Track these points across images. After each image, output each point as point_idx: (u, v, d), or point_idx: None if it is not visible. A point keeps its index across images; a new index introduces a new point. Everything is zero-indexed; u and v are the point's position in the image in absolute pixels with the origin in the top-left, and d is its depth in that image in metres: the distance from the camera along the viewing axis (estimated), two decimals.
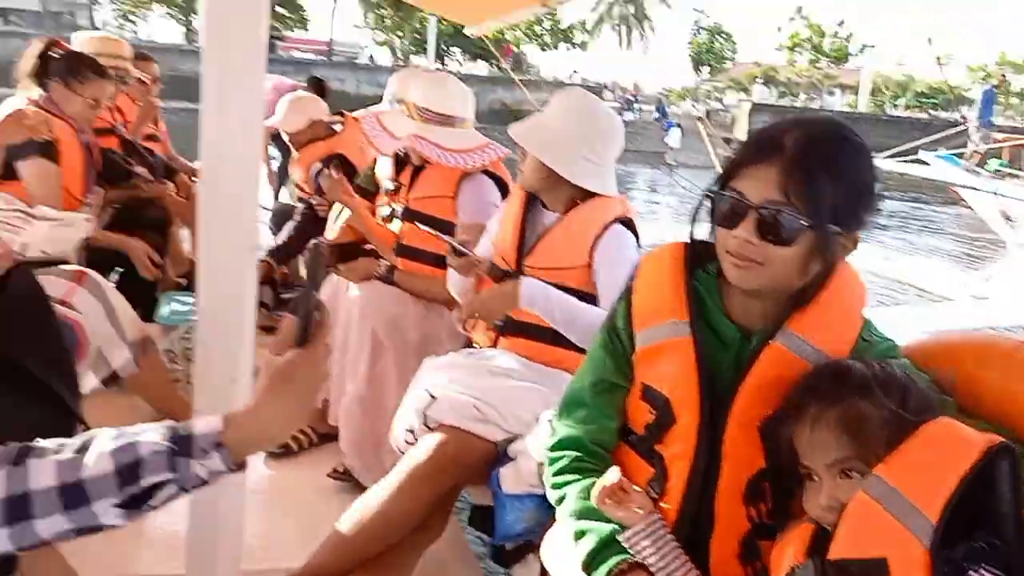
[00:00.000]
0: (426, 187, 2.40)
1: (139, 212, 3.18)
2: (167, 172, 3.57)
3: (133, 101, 3.78)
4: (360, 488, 2.26)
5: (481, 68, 46.86)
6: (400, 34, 42.95)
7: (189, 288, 3.14)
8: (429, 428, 1.77)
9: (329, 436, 2.42)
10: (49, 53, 2.64)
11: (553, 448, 1.28)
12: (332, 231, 2.77)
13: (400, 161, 3.00)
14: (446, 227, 2.24)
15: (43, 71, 2.63)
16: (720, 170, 1.15)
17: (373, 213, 2.66)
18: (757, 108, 34.38)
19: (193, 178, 3.65)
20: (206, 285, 1.30)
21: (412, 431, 1.80)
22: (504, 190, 2.38)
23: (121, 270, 2.97)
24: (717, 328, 1.17)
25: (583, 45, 50.75)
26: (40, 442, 0.84)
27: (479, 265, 1.92)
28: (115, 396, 2.23)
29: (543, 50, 49.41)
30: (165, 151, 4.01)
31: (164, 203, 3.27)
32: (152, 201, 3.25)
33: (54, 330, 1.25)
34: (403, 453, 1.83)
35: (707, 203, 1.12)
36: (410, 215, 2.41)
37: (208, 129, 1.16)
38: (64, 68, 2.62)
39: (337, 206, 3.06)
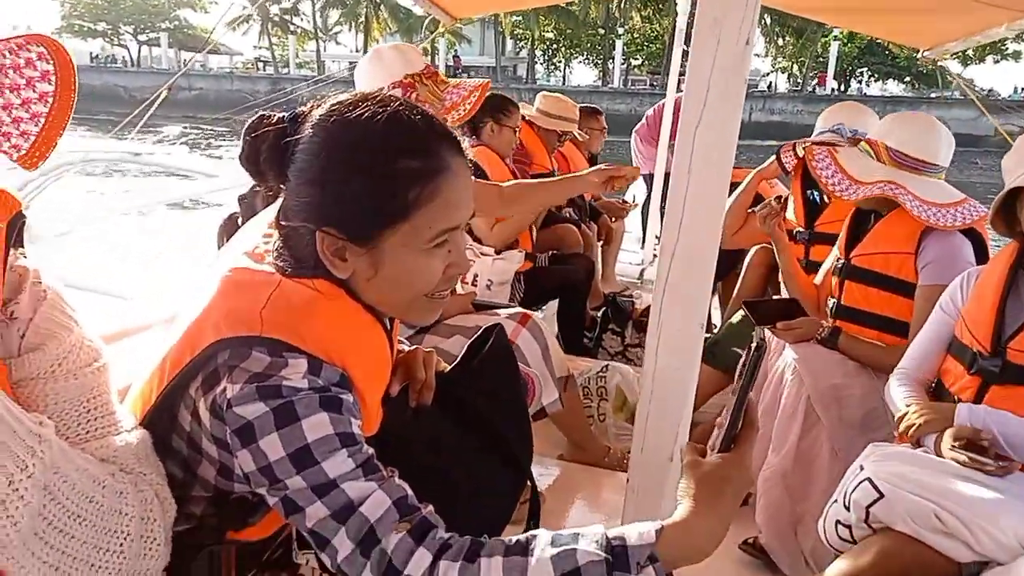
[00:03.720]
0: (880, 241, 1.98)
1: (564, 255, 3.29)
2: (592, 214, 3.71)
3: (579, 148, 4.01)
4: (771, 566, 1.98)
5: (890, 88, 41.80)
6: (802, 59, 40.51)
7: (605, 322, 3.18)
8: (871, 528, 1.43)
9: None
10: None
11: None
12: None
13: (813, 206, 2.62)
14: (902, 288, 1.90)
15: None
16: None
17: None
18: None
19: (614, 218, 3.73)
20: (654, 360, 1.19)
21: (849, 527, 1.47)
22: (980, 253, 1.87)
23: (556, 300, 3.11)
24: None
25: (1016, 55, 41.74)
26: (486, 539, 0.82)
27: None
28: (537, 426, 2.27)
29: (964, 65, 41.85)
30: (594, 195, 4.16)
31: (586, 243, 3.38)
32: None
33: (521, 393, 1.24)
34: (832, 548, 1.52)
35: None
36: (853, 272, 2.02)
37: (673, 209, 1.04)
38: (493, 108, 2.89)
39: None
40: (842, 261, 2.07)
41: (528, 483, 1.20)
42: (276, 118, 0.94)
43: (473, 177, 2.25)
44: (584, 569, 0.76)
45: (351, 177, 0.88)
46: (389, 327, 1.05)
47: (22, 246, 0.82)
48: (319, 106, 0.93)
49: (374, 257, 0.90)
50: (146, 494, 0.80)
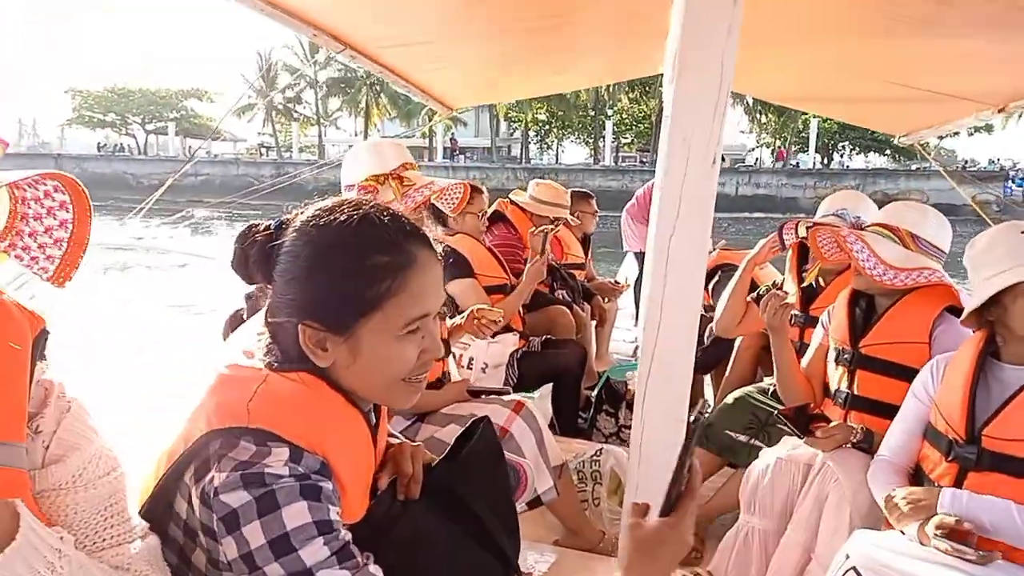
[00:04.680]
0: (891, 331, 1.97)
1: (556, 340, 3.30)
2: (585, 294, 3.77)
3: (572, 231, 4.11)
4: None
5: (874, 160, 42.96)
6: (784, 135, 41.79)
7: (599, 403, 3.19)
8: None
9: None
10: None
11: None
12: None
13: (810, 289, 2.65)
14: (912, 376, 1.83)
15: (435, 209, 2.92)
16: None
17: None
18: None
19: (607, 299, 3.79)
20: (640, 450, 1.23)
21: None
22: None
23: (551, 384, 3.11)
24: None
25: (988, 128, 43.35)
26: None
27: None
28: (534, 511, 2.23)
29: (940, 138, 43.14)
30: (587, 275, 4.22)
31: (579, 325, 3.43)
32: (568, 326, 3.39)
33: (507, 484, 1.26)
34: None
35: None
36: (864, 362, 1.99)
37: (651, 315, 1.09)
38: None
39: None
40: (850, 351, 2.03)
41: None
42: (263, 226, 1.03)
43: (460, 268, 2.31)
44: None
45: (328, 274, 0.96)
46: (375, 419, 1.09)
47: (44, 359, 0.85)
48: (302, 213, 1.02)
49: (352, 345, 0.97)
50: None
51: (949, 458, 1.57)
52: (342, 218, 0.97)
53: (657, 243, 1.11)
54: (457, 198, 1.99)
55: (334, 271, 0.96)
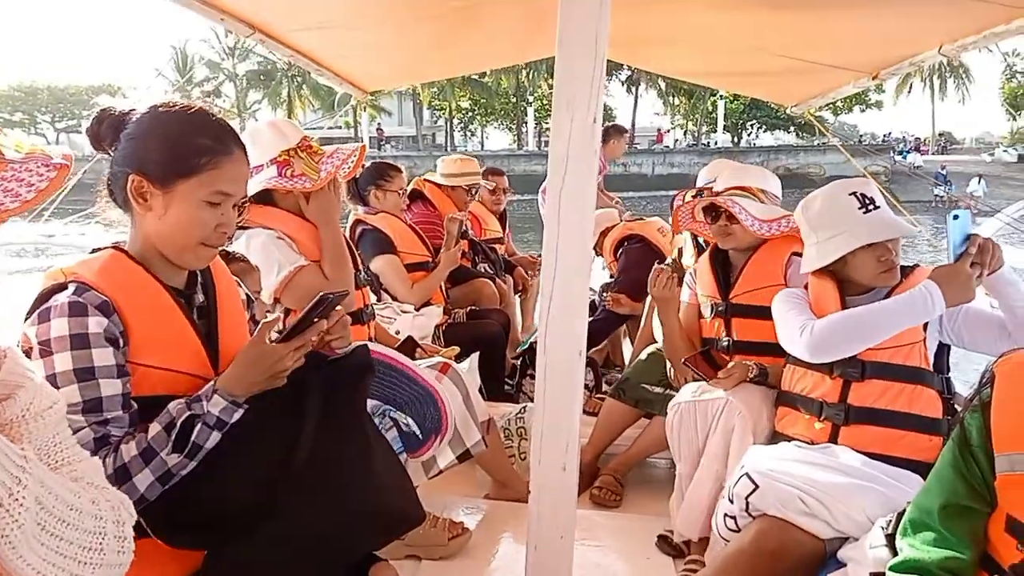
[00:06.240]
0: (754, 279, 2.19)
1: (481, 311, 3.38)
2: (507, 267, 3.86)
3: (486, 207, 4.18)
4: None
5: (783, 138, 44.78)
6: (695, 117, 43.14)
7: (524, 368, 3.30)
8: (752, 516, 1.60)
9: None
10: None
11: (896, 569, 1.10)
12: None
13: (701, 249, 2.82)
14: None
15: (356, 188, 3.05)
16: None
17: None
18: None
19: (528, 272, 3.88)
20: (544, 383, 1.33)
21: (734, 518, 1.64)
22: None
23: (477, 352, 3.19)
24: None
25: (878, 104, 46.00)
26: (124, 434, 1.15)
27: None
28: (465, 468, 2.30)
29: (836, 115, 45.49)
30: (507, 250, 4.30)
31: (502, 295, 3.52)
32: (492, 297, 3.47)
33: (360, 395, 1.33)
34: (723, 539, 1.68)
35: None
36: (737, 311, 2.21)
37: (547, 263, 1.19)
38: (374, 176, 3.05)
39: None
40: (723, 303, 2.24)
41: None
42: (117, 110, 1.24)
43: (382, 245, 2.43)
44: (175, 413, 1.14)
45: (162, 138, 1.19)
46: (207, 306, 1.30)
47: None
48: (145, 105, 1.24)
49: (167, 201, 1.19)
50: (113, 502, 0.89)
51: (834, 375, 1.77)
52: (180, 106, 1.21)
53: (550, 196, 1.20)
54: (354, 159, 2.06)
55: (167, 137, 1.19)
